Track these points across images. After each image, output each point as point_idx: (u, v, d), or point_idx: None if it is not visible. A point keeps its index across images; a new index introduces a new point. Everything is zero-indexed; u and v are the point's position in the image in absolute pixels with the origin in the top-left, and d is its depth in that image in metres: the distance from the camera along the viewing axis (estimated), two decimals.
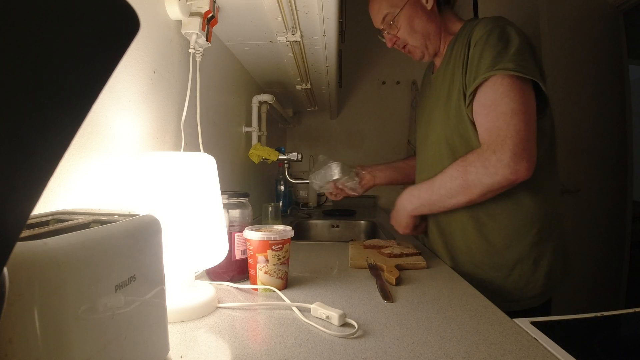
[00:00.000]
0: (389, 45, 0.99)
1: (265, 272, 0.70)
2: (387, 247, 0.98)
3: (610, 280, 1.89)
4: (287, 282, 0.74)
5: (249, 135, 1.51)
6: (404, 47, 0.98)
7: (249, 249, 0.72)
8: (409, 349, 0.49)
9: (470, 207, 0.89)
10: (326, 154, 2.69)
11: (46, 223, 0.36)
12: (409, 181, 1.18)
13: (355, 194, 1.16)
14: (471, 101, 0.83)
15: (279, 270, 0.71)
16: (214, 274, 0.78)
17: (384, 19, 0.95)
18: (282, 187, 2.05)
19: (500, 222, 0.87)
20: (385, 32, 0.97)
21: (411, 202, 0.94)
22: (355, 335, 0.52)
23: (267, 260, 0.70)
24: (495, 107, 0.78)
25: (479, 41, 0.82)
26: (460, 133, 0.88)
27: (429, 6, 0.92)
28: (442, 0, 0.96)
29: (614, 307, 1.19)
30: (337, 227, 1.80)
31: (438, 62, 1.01)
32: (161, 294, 0.42)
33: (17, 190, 0.15)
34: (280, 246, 0.71)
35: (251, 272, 0.73)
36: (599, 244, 1.85)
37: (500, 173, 0.75)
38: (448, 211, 0.94)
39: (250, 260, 0.73)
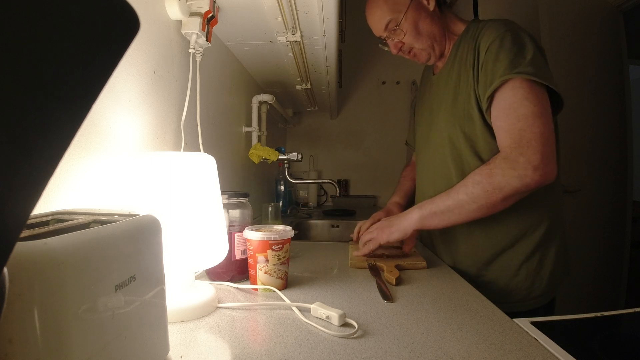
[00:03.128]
0: (394, 52, 0.96)
1: (266, 272, 0.70)
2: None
3: (610, 280, 1.89)
4: (287, 282, 0.74)
5: (249, 135, 1.51)
6: (410, 52, 0.96)
7: (249, 249, 0.72)
8: (409, 349, 0.49)
9: None
10: (326, 155, 2.68)
11: (46, 223, 0.36)
12: None
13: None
14: (489, 105, 0.82)
15: (279, 270, 0.71)
16: (214, 274, 0.78)
17: (386, 26, 0.93)
18: (282, 187, 2.05)
19: (507, 223, 0.86)
20: (389, 39, 0.95)
21: (420, 211, 0.85)
22: (355, 335, 0.52)
23: (267, 260, 0.70)
24: (515, 110, 0.77)
25: (492, 44, 0.81)
26: (466, 135, 0.87)
27: (430, 7, 0.91)
28: (441, 1, 0.95)
29: (614, 307, 1.19)
30: (337, 227, 1.80)
31: (440, 63, 1.00)
32: (161, 294, 0.42)
33: (17, 191, 0.15)
34: (280, 246, 0.71)
35: (251, 272, 0.73)
36: (599, 244, 1.85)
37: (530, 175, 0.73)
38: None
39: (250, 260, 0.73)
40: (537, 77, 0.76)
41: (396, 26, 0.92)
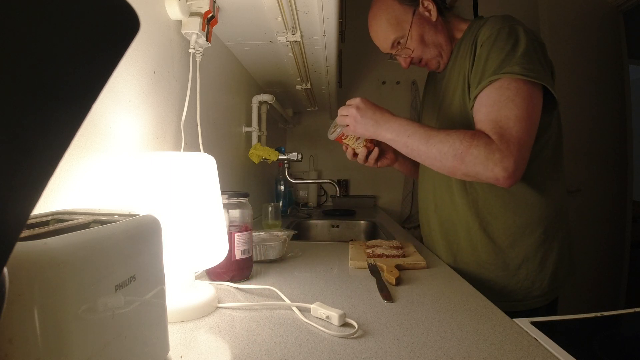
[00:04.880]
0: (405, 66, 0.97)
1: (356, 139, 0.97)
2: (378, 246, 0.99)
3: (610, 280, 1.89)
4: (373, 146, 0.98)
5: (249, 135, 1.51)
6: (420, 62, 0.96)
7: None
8: (409, 349, 0.49)
9: (475, 206, 0.88)
10: (326, 155, 2.67)
11: (46, 223, 0.36)
12: (415, 174, 1.16)
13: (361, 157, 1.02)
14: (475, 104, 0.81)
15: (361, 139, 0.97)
16: (214, 274, 0.78)
17: (392, 44, 0.94)
18: (282, 187, 2.05)
19: (505, 221, 0.86)
20: (398, 56, 0.95)
21: (396, 135, 0.84)
22: (355, 335, 0.52)
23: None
24: (499, 108, 0.75)
25: (486, 41, 0.80)
26: None
27: (433, 18, 0.91)
28: (442, 7, 0.94)
29: (614, 307, 1.19)
30: (337, 227, 1.80)
31: None
32: (161, 294, 0.42)
33: (17, 191, 0.15)
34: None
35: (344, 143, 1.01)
36: (599, 244, 1.85)
37: (495, 172, 0.73)
38: (453, 212, 0.93)
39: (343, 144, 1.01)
40: (523, 76, 0.74)
41: (401, 43, 0.92)
